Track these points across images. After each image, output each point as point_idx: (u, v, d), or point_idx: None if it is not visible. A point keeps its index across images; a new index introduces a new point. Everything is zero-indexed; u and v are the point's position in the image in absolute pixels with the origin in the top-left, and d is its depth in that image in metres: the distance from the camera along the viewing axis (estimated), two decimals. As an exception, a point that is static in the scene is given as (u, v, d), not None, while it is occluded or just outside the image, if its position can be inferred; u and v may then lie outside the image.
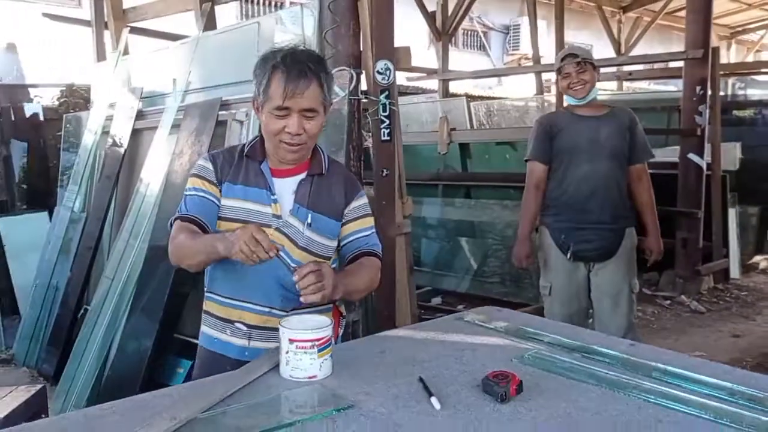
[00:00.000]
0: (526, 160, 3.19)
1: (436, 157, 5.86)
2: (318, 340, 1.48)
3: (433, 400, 1.34)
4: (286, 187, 1.76)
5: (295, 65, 1.64)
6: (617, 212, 3.03)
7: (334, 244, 1.82)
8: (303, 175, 1.78)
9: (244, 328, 1.75)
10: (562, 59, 3.04)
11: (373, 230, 1.86)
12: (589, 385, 1.43)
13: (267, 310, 1.71)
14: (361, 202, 1.85)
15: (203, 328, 1.83)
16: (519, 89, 10.72)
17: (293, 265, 1.59)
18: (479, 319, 1.92)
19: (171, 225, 1.76)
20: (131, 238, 3.66)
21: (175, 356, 3.37)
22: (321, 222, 1.77)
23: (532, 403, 1.34)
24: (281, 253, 1.56)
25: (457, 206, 5.69)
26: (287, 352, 1.49)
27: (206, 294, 1.82)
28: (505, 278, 5.13)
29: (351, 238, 1.82)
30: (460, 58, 11.98)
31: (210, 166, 1.77)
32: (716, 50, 5.68)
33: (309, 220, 1.75)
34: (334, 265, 1.83)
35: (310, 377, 1.48)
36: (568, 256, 3.05)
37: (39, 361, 4.23)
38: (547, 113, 3.31)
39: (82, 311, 4.03)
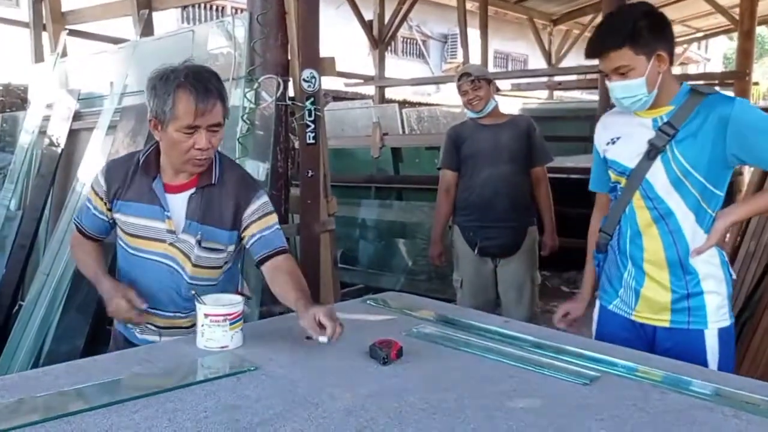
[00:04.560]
0: (438, 169, 3.47)
1: (370, 161, 6.08)
2: (230, 314, 1.69)
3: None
4: (178, 202, 1.87)
5: (200, 84, 1.72)
6: (518, 211, 3.28)
7: (224, 255, 1.92)
8: (193, 190, 1.87)
9: (155, 328, 1.94)
10: (459, 78, 3.29)
11: (276, 227, 1.92)
12: (461, 351, 1.69)
13: (172, 314, 1.88)
14: (259, 203, 1.90)
15: (117, 323, 2.03)
16: (456, 96, 11.06)
17: (320, 338, 1.63)
18: (381, 302, 2.19)
19: (75, 223, 2.00)
20: (67, 234, 3.77)
21: (106, 347, 3.51)
22: (211, 234, 1.87)
23: (409, 364, 1.59)
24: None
25: (389, 207, 5.85)
26: (203, 326, 1.68)
27: None
28: (431, 276, 5.35)
29: (255, 239, 1.89)
30: (400, 66, 12.32)
31: (103, 182, 1.89)
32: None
33: (199, 237, 1.86)
34: (229, 266, 1.99)
35: (222, 347, 1.68)
36: (476, 251, 3.33)
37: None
38: (454, 125, 3.57)
39: (16, 307, 4.12)
